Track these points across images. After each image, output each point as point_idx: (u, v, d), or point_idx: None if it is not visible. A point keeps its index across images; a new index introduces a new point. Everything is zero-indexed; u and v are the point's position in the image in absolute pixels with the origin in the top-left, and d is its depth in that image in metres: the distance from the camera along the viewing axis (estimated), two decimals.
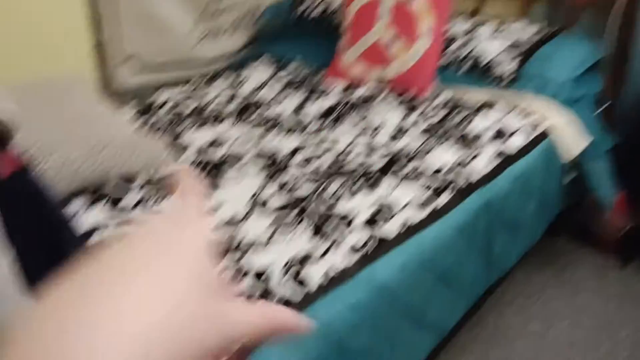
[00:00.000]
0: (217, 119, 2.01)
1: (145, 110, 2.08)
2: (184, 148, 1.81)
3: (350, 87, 2.25)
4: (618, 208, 2.26)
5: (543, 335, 1.96)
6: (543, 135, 1.90)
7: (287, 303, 1.14)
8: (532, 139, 1.86)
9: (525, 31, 2.24)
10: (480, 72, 2.17)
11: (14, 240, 0.74)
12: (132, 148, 1.63)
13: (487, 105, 2.04)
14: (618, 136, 2.18)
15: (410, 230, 1.40)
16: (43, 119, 1.62)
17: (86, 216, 1.44)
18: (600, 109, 2.22)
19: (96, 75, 2.25)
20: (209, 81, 2.37)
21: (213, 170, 1.67)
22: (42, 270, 0.83)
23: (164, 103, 2.13)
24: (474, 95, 2.15)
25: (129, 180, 1.60)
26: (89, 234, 1.36)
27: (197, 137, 1.87)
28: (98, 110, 1.75)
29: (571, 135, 1.97)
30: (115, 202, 1.50)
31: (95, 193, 1.54)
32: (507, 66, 2.13)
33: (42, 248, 0.85)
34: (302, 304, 1.15)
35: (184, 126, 1.94)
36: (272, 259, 1.28)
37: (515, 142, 1.82)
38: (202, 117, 2.03)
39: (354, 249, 1.32)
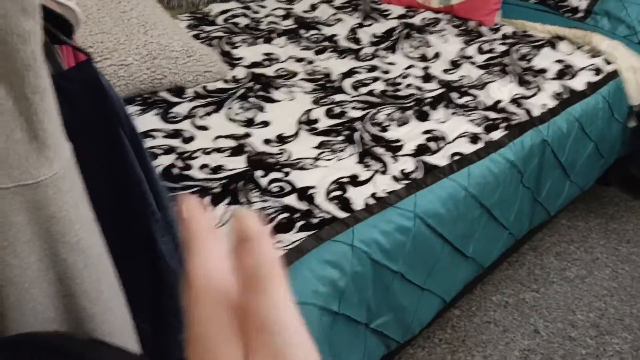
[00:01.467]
0: (271, 34, 1.97)
1: (200, 21, 2.05)
2: (237, 61, 1.79)
3: (410, 12, 2.16)
4: None
5: (580, 282, 1.94)
6: (610, 77, 1.79)
7: (331, 220, 1.15)
8: (598, 80, 1.76)
9: None
10: (552, 4, 2.04)
11: (73, 132, 0.75)
12: (186, 57, 1.62)
13: (553, 41, 1.93)
14: None
15: (460, 162, 1.37)
16: (101, 22, 1.62)
17: (138, 122, 1.46)
18: None
19: None
20: None
21: (264, 86, 1.66)
22: (97, 162, 0.85)
23: (219, 15, 2.10)
24: (540, 30, 2.04)
25: (180, 90, 1.61)
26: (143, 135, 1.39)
27: (250, 52, 1.85)
28: (155, 17, 1.74)
29: None
30: (166, 111, 1.52)
31: (148, 100, 1.56)
32: None
33: (102, 142, 0.87)
34: (346, 223, 1.16)
35: (237, 39, 1.92)
36: (319, 178, 1.28)
37: (580, 82, 1.73)
38: (256, 31, 1.99)
39: (402, 175, 1.31)
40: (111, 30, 1.61)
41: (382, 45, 1.95)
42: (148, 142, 1.38)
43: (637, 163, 2.31)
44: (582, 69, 1.79)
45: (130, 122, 0.89)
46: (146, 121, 1.47)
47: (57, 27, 0.78)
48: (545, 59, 1.83)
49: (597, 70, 1.79)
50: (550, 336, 1.74)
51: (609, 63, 1.84)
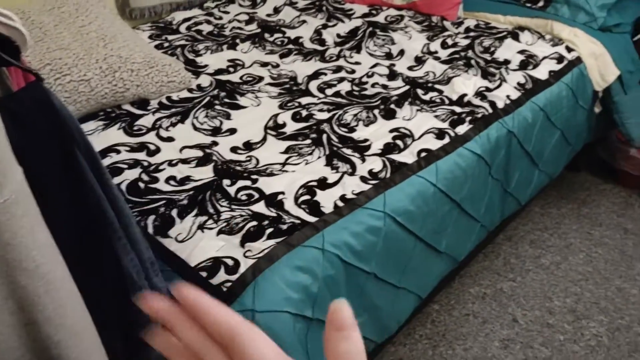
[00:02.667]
0: (235, 40, 1.96)
1: (163, 30, 2.03)
2: (201, 69, 1.77)
3: (373, 10, 2.17)
4: None
5: (555, 268, 1.97)
6: (572, 65, 1.82)
7: (301, 225, 1.15)
8: (561, 69, 1.78)
9: None
10: None
11: (24, 155, 0.74)
12: (148, 68, 1.60)
13: (515, 32, 1.95)
14: None
15: (427, 158, 1.37)
16: (59, 38, 1.60)
17: (101, 137, 1.44)
18: (636, 39, 2.11)
19: None
20: (226, 2, 2.29)
21: (230, 93, 1.64)
22: (53, 185, 0.84)
23: (182, 23, 2.08)
24: (502, 21, 2.06)
25: (144, 102, 1.59)
26: (101, 154, 1.37)
27: (215, 59, 1.83)
28: (114, 30, 1.72)
29: (602, 66, 1.89)
30: (130, 124, 1.50)
31: (112, 114, 1.53)
32: None
33: (57, 163, 0.85)
34: (316, 228, 1.15)
35: (201, 47, 1.90)
36: (287, 183, 1.28)
37: (543, 71, 1.75)
38: (220, 38, 1.98)
39: (370, 175, 1.31)
40: (70, 45, 1.59)
41: (347, 45, 1.95)
42: (112, 157, 1.36)
43: (605, 147, 2.35)
44: (545, 58, 1.81)
45: (85, 140, 0.87)
46: (110, 136, 1.45)
47: (3, 49, 0.76)
48: (508, 50, 1.85)
49: (560, 59, 1.82)
50: (529, 324, 1.76)
51: (570, 51, 1.86)
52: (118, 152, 1.38)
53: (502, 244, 2.07)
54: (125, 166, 1.33)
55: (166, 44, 1.92)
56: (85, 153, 0.88)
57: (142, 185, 1.26)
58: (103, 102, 1.54)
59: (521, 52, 1.84)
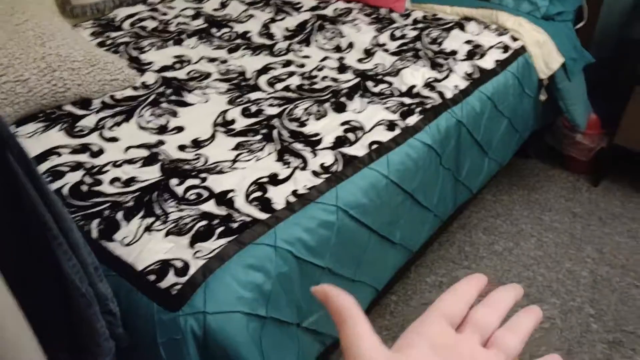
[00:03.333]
0: (181, 36, 1.91)
1: (106, 27, 1.96)
2: (146, 66, 1.72)
3: (321, 3, 2.15)
4: (590, 129, 2.26)
5: (508, 254, 2.01)
6: (518, 54, 1.85)
7: (252, 222, 1.13)
8: (506, 58, 1.81)
9: None
10: None
11: None
12: (90, 66, 1.54)
13: (461, 23, 1.98)
14: (594, 56, 2.14)
15: (378, 151, 1.37)
16: None
17: (42, 139, 1.38)
18: (578, 27, 2.17)
19: None
20: None
21: (176, 90, 1.60)
22: None
23: (125, 19, 2.01)
24: (449, 12, 2.08)
25: (86, 102, 1.53)
26: (41, 157, 1.31)
27: (160, 55, 1.78)
28: (53, 28, 1.64)
29: (547, 54, 1.93)
30: (72, 125, 1.44)
31: (52, 115, 1.47)
32: None
33: None
34: (267, 225, 1.13)
35: (145, 44, 1.85)
36: (237, 180, 1.25)
37: (489, 61, 1.77)
38: (165, 34, 1.93)
39: (322, 169, 1.30)
40: (5, 45, 1.51)
41: (296, 39, 1.93)
42: (53, 160, 1.31)
43: (552, 134, 2.41)
44: (491, 47, 1.84)
45: (17, 145, 0.83)
46: (50, 138, 1.38)
47: None
48: (455, 41, 1.87)
49: (505, 48, 1.85)
50: None
51: (515, 40, 1.90)
52: (59, 154, 1.33)
53: (456, 232, 2.10)
54: (67, 169, 1.27)
55: (109, 42, 1.86)
56: (17, 157, 0.83)
57: (85, 188, 1.21)
58: (43, 102, 1.48)
59: (468, 42, 1.86)
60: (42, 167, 1.28)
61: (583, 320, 1.76)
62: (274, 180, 1.27)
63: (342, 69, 1.74)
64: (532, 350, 1.63)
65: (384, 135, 1.42)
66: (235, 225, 1.12)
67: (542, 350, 1.63)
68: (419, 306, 1.80)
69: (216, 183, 1.24)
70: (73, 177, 1.24)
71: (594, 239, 2.07)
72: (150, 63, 1.74)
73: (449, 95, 1.59)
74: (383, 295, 1.75)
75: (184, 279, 1.00)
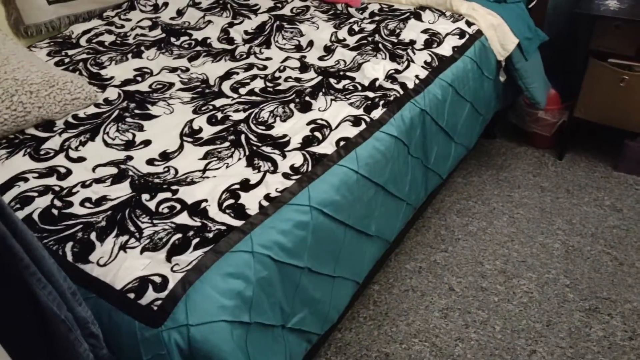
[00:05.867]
0: (140, 48, 1.90)
1: (62, 45, 1.93)
2: (107, 82, 1.71)
3: (278, 3, 2.16)
4: (551, 104, 2.32)
5: (483, 234, 2.05)
6: (474, 38, 1.89)
7: (228, 230, 1.13)
8: (463, 43, 1.85)
9: None
10: None
11: None
12: (49, 88, 1.53)
13: (417, 12, 2.01)
14: (548, 33, 2.19)
15: (346, 147, 1.39)
16: None
17: (6, 166, 1.36)
18: (531, 5, 2.22)
19: (4, 13, 2.06)
20: (127, 9, 2.21)
21: (140, 103, 1.59)
22: None
23: (81, 36, 1.99)
24: (404, 3, 2.11)
25: (49, 123, 1.52)
26: (8, 184, 1.29)
27: (120, 69, 1.77)
28: (6, 51, 1.62)
29: (502, 36, 1.97)
30: (36, 149, 1.42)
31: (15, 140, 1.45)
32: None
33: None
34: (243, 231, 1.14)
35: (105, 59, 1.83)
36: (209, 189, 1.26)
37: (446, 48, 1.81)
38: (123, 47, 1.91)
39: (292, 171, 1.31)
40: None
41: (256, 42, 1.93)
42: (21, 186, 1.29)
43: (515, 113, 2.47)
44: (447, 34, 1.87)
45: None
46: (15, 164, 1.37)
47: None
48: (412, 31, 1.89)
49: (461, 34, 1.88)
50: (464, 291, 1.83)
51: (470, 25, 1.94)
52: (26, 180, 1.31)
53: (431, 217, 2.14)
54: (35, 194, 1.26)
55: (67, 60, 1.83)
56: None
57: (55, 211, 1.20)
58: (4, 129, 1.46)
59: (425, 31, 1.89)
60: (10, 194, 1.26)
61: (559, 291, 1.81)
62: (246, 185, 1.27)
63: (304, 68, 1.75)
64: (513, 325, 1.68)
65: (351, 131, 1.44)
66: (210, 235, 1.13)
67: (522, 324, 1.68)
68: (400, 293, 1.84)
69: (188, 194, 1.24)
70: (42, 202, 1.23)
71: (563, 211, 2.13)
72: (111, 78, 1.73)
73: (410, 85, 1.62)
74: (365, 286, 1.78)
75: (163, 294, 1.01)
